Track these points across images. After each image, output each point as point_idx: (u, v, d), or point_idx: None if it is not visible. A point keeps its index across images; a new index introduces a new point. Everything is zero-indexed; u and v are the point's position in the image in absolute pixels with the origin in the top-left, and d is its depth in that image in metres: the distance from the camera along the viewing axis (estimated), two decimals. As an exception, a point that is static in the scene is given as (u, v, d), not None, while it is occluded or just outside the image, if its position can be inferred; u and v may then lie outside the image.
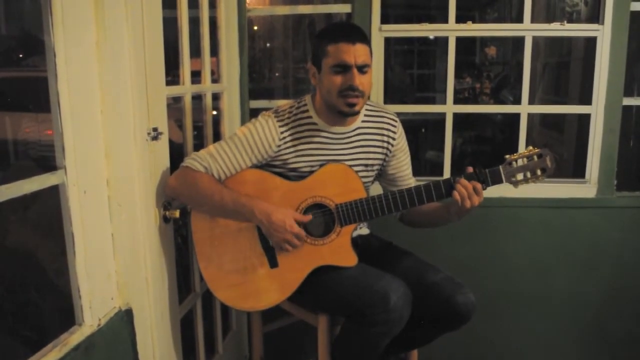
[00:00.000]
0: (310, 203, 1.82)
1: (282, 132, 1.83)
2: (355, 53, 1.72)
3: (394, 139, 1.97)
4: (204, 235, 1.86)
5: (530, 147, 1.77)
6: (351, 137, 1.90)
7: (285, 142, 1.84)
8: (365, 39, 1.77)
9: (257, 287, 1.86)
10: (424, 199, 1.77)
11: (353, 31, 1.77)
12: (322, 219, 1.84)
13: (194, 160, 1.81)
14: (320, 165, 1.84)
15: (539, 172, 1.75)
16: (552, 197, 2.56)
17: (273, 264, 1.84)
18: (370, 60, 1.78)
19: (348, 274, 1.80)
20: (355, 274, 1.79)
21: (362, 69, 1.75)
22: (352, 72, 1.73)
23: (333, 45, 1.73)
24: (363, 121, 1.92)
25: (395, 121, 1.98)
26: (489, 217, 2.56)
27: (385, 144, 1.96)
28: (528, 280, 2.65)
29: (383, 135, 1.95)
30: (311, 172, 1.84)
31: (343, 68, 1.74)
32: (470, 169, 1.75)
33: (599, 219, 2.57)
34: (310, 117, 1.87)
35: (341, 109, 1.78)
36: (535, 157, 1.75)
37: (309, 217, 1.79)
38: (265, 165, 1.88)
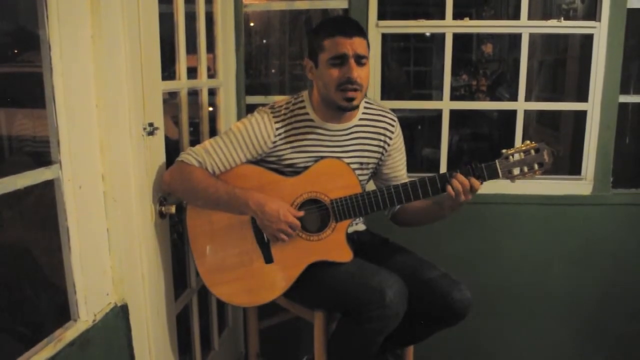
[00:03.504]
0: (306, 198, 1.82)
1: (277, 128, 1.83)
2: (352, 45, 1.71)
3: (390, 138, 1.96)
4: (199, 232, 1.86)
5: (528, 142, 1.75)
6: (348, 134, 1.90)
7: (281, 138, 1.83)
8: (362, 32, 1.76)
9: (252, 283, 1.86)
10: (419, 194, 1.77)
11: (350, 25, 1.76)
12: (317, 215, 1.83)
13: (189, 155, 1.80)
14: (315, 161, 1.84)
15: (536, 166, 1.74)
16: (548, 194, 2.57)
17: (268, 259, 1.84)
18: (368, 54, 1.77)
19: (344, 270, 1.80)
20: (351, 270, 1.79)
21: (360, 60, 1.73)
22: (350, 63, 1.71)
23: (330, 39, 1.72)
24: (360, 119, 1.91)
25: (394, 121, 1.98)
26: (485, 214, 2.57)
27: (382, 143, 1.95)
28: (524, 277, 2.66)
29: (380, 134, 1.94)
30: (306, 168, 1.84)
31: (340, 60, 1.72)
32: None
33: (595, 216, 2.58)
34: (306, 113, 1.86)
35: (340, 103, 1.76)
36: (533, 152, 1.74)
37: (301, 213, 1.79)
38: (261, 161, 1.87)
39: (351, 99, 1.75)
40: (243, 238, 1.85)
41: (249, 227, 1.84)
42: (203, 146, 1.83)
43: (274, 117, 1.83)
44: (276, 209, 1.73)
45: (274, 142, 1.83)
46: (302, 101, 1.88)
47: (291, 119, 1.85)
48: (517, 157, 1.74)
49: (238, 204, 1.76)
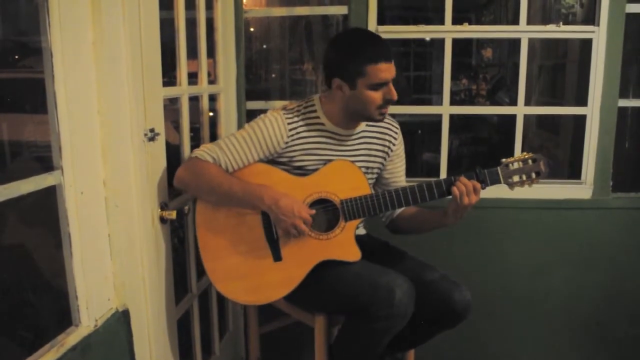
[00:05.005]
0: (316, 198, 1.84)
1: (290, 130, 1.85)
2: (391, 69, 1.78)
3: (394, 144, 2.01)
4: (208, 228, 1.87)
5: (525, 153, 1.83)
6: (355, 139, 1.94)
7: (293, 139, 1.86)
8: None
9: (259, 281, 1.87)
10: (426, 196, 1.81)
11: (387, 48, 1.79)
12: (327, 214, 1.85)
13: (203, 152, 1.83)
14: (324, 164, 1.86)
15: (533, 175, 1.81)
16: (548, 199, 2.57)
17: (277, 257, 1.85)
18: None
19: (352, 270, 1.81)
20: (360, 270, 1.80)
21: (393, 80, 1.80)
22: (390, 86, 1.78)
23: (373, 65, 1.75)
24: (367, 124, 1.96)
25: (397, 128, 2.03)
26: (485, 218, 2.57)
27: (386, 149, 2.00)
28: (524, 281, 2.66)
29: (385, 140, 1.99)
30: (316, 170, 1.86)
31: (383, 85, 1.78)
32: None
33: (595, 220, 2.58)
34: (317, 117, 1.89)
35: (376, 117, 1.84)
36: (530, 161, 1.81)
37: (313, 211, 1.81)
38: (271, 162, 1.89)
39: (385, 114, 1.86)
40: (252, 235, 1.86)
41: (259, 224, 1.86)
42: (217, 144, 1.85)
43: (287, 118, 1.86)
44: (290, 204, 1.76)
45: (287, 142, 1.85)
46: (312, 105, 1.91)
47: (303, 122, 1.88)
48: (516, 165, 1.81)
49: (252, 199, 1.78)
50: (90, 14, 1.45)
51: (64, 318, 1.46)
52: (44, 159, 1.44)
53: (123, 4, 1.55)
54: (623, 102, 2.53)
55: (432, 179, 1.82)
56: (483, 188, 1.78)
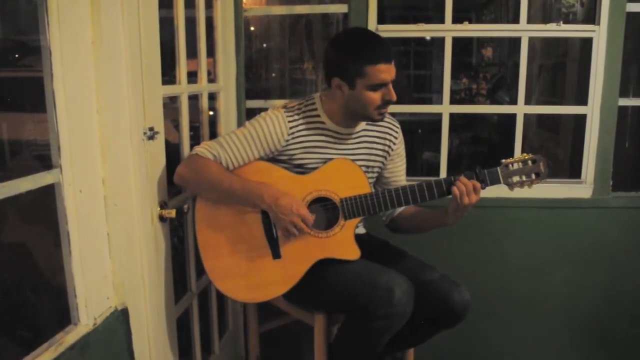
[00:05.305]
0: (315, 196, 1.84)
1: (291, 127, 1.85)
2: (391, 70, 1.77)
3: (394, 143, 2.02)
4: (207, 226, 1.88)
5: (525, 154, 1.84)
6: (356, 138, 1.94)
7: (294, 137, 1.86)
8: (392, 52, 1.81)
9: (259, 279, 1.87)
10: (426, 196, 1.81)
11: (387, 49, 1.79)
12: (327, 213, 1.86)
13: (204, 149, 1.83)
14: (324, 162, 1.86)
15: (533, 176, 1.82)
16: (548, 198, 2.57)
17: (276, 255, 1.86)
18: None
19: (352, 269, 1.81)
20: (359, 269, 1.80)
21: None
22: (389, 87, 1.79)
23: (372, 66, 1.74)
24: (367, 124, 1.96)
25: (398, 127, 2.04)
26: (485, 218, 2.57)
27: (386, 148, 2.00)
28: (524, 280, 2.66)
29: (385, 139, 1.99)
30: (316, 168, 1.86)
31: (382, 86, 1.78)
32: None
33: (595, 219, 2.58)
34: (318, 115, 1.89)
35: (375, 118, 1.84)
36: (530, 162, 1.82)
37: (312, 215, 1.81)
38: (272, 160, 1.90)
39: (384, 114, 1.87)
40: (252, 233, 1.86)
41: (259, 222, 1.86)
42: (217, 141, 1.86)
43: (287, 116, 1.86)
44: (289, 202, 1.76)
45: (287, 140, 1.85)
46: (313, 104, 1.91)
47: (303, 120, 1.88)
48: (516, 166, 1.81)
49: (252, 197, 1.79)
50: (90, 13, 1.45)
51: (63, 317, 1.46)
52: (43, 157, 1.44)
53: (122, 3, 1.54)
54: (623, 102, 2.53)
55: (432, 179, 1.82)
56: (483, 188, 1.78)
